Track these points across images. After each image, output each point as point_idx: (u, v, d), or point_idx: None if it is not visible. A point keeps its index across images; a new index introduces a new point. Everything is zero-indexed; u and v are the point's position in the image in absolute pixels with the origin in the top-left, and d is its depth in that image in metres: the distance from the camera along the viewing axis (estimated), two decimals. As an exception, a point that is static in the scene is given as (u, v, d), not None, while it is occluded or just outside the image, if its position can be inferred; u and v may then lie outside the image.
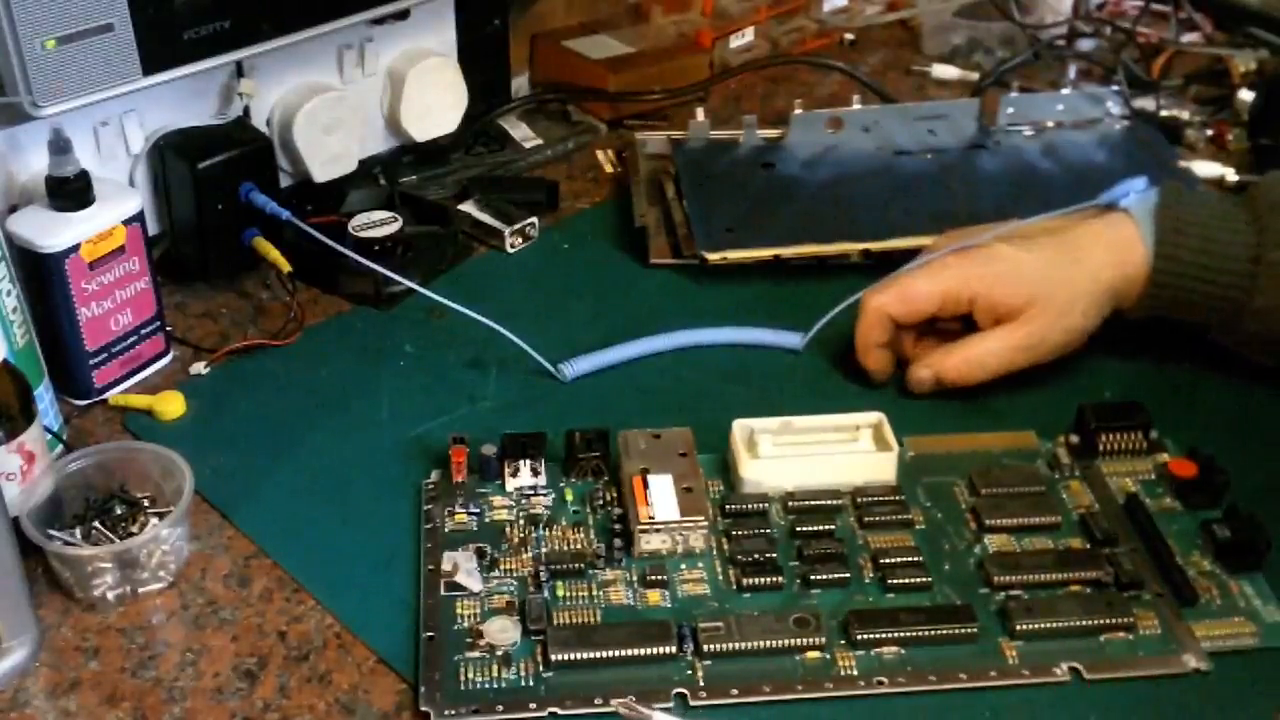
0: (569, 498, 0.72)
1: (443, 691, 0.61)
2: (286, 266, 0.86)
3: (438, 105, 1.00)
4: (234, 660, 0.64)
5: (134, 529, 0.69)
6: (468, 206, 0.97)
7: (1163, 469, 0.73)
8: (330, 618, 0.66)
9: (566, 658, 0.62)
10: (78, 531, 0.69)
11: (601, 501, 0.71)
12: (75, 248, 0.75)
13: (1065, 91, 1.09)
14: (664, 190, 1.00)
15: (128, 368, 0.81)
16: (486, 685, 0.61)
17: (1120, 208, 0.79)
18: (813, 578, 0.66)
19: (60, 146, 0.75)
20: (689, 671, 0.62)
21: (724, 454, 0.74)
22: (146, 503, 0.71)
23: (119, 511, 0.70)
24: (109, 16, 0.76)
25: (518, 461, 0.72)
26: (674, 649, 0.62)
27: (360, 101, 0.96)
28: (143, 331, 0.82)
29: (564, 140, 1.08)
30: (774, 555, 0.67)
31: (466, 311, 0.82)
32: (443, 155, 1.04)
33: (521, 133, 1.08)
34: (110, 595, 0.67)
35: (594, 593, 0.66)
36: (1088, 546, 0.69)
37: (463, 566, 0.66)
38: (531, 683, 0.61)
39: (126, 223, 0.78)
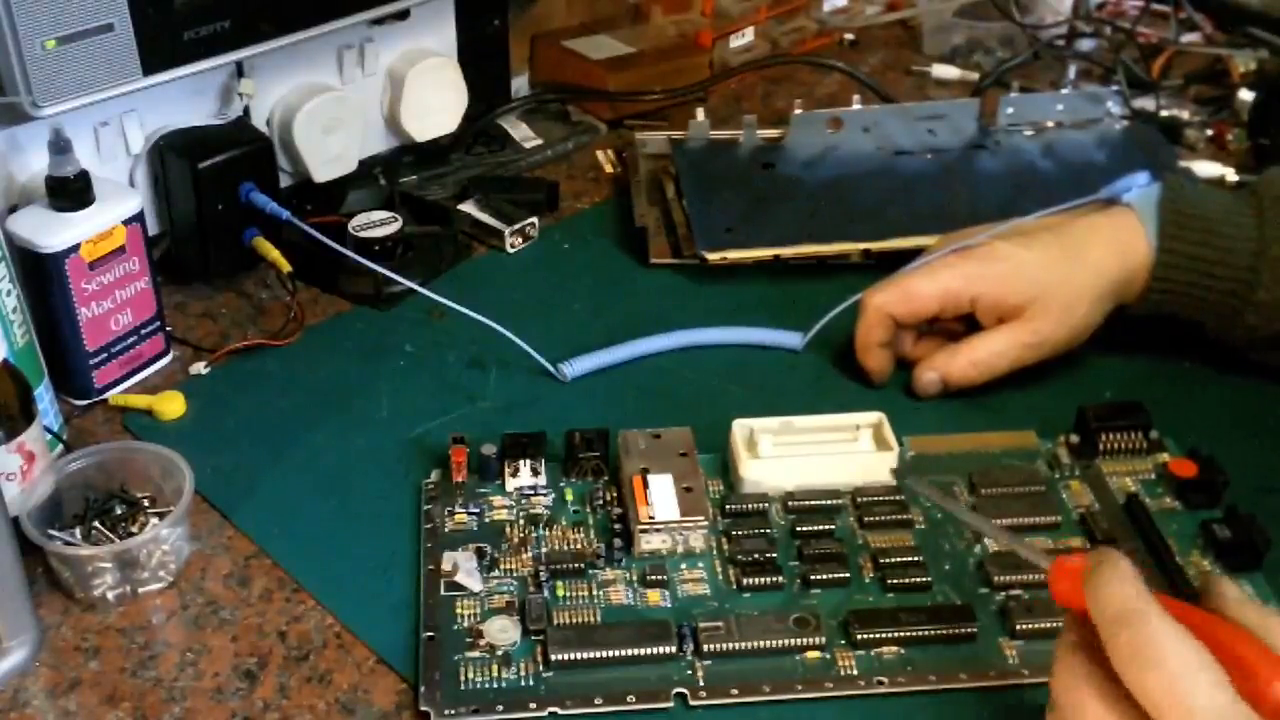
0: (569, 498, 0.72)
1: (443, 691, 0.61)
2: (286, 266, 0.86)
3: (438, 105, 1.00)
4: (234, 660, 0.64)
5: (134, 529, 0.69)
6: (468, 206, 0.97)
7: (1163, 469, 0.73)
8: (330, 618, 0.66)
9: (566, 657, 0.62)
10: (78, 531, 0.69)
11: (601, 501, 0.71)
12: (75, 248, 0.75)
13: (1065, 91, 1.09)
14: (664, 190, 1.00)
15: (128, 368, 0.81)
16: (486, 685, 0.61)
17: (1122, 202, 0.79)
18: (813, 578, 0.66)
19: (60, 146, 0.75)
20: (689, 671, 0.62)
21: (724, 454, 0.74)
22: (146, 503, 0.71)
23: (119, 511, 0.70)
24: (109, 16, 0.76)
25: (518, 461, 0.72)
26: (674, 649, 0.62)
27: (360, 101, 0.96)
28: (143, 331, 0.82)
29: (564, 140, 1.08)
30: (774, 555, 0.67)
31: (466, 311, 0.82)
32: (443, 155, 1.04)
33: (521, 133, 1.08)
34: (110, 595, 0.67)
35: (594, 593, 0.66)
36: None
37: (463, 566, 0.66)
38: (531, 683, 0.61)
39: (126, 223, 0.78)
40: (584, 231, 0.98)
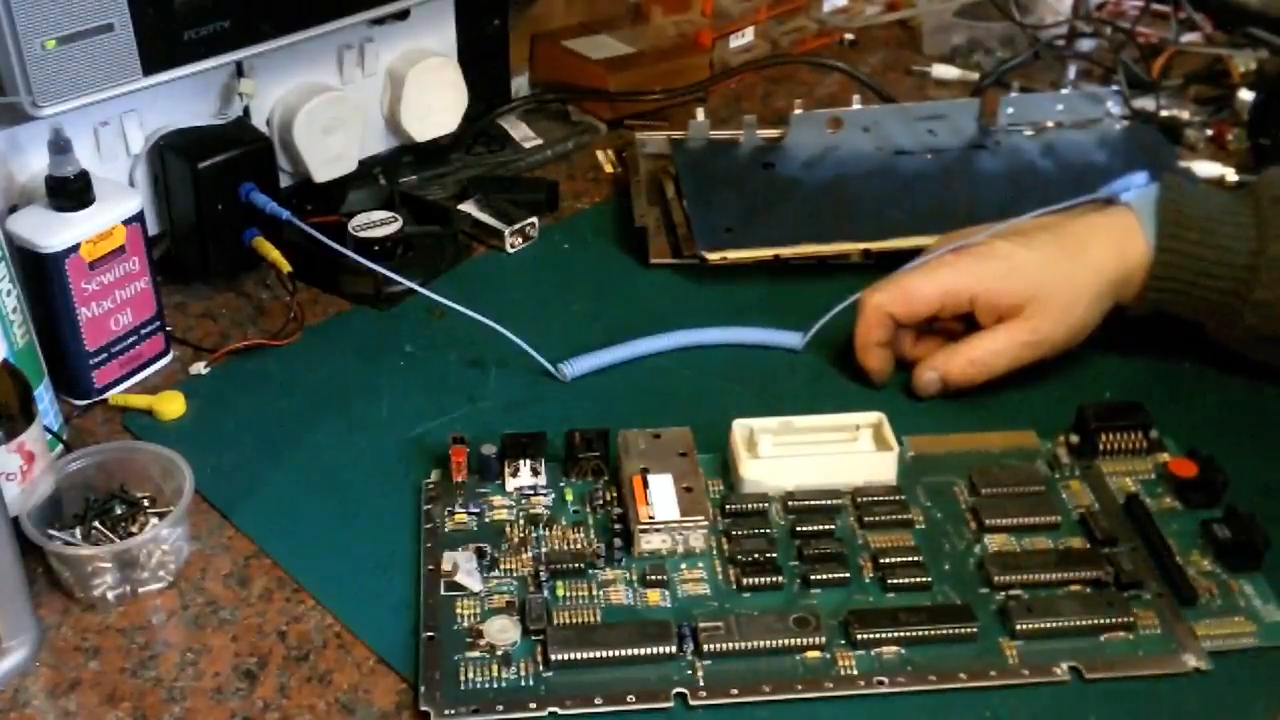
0: (569, 498, 0.72)
1: (443, 691, 0.61)
2: (286, 266, 0.86)
3: (438, 105, 1.00)
4: (234, 660, 0.64)
5: (134, 529, 0.69)
6: (468, 206, 0.97)
7: (1163, 469, 0.73)
8: (330, 618, 0.66)
9: (566, 657, 0.62)
10: (78, 531, 0.69)
11: (601, 501, 0.71)
12: (75, 248, 0.75)
13: (1065, 91, 1.09)
14: (664, 190, 1.00)
15: (128, 368, 0.81)
16: (486, 685, 0.61)
17: (1121, 201, 0.79)
18: (813, 577, 0.66)
19: (60, 146, 0.75)
20: (689, 671, 0.62)
21: (724, 454, 0.74)
22: (146, 503, 0.71)
23: (119, 511, 0.70)
24: (109, 16, 0.76)
25: (518, 461, 0.72)
26: (674, 649, 0.62)
27: (360, 101, 0.96)
28: (143, 331, 0.82)
29: (564, 140, 1.08)
30: (774, 555, 0.67)
31: (466, 311, 0.82)
32: (443, 155, 1.04)
33: (521, 133, 1.08)
34: (110, 595, 0.67)
35: (594, 593, 0.66)
36: (1088, 546, 0.69)
37: (463, 566, 0.66)
38: (531, 682, 0.61)
39: (126, 223, 0.78)
40: (584, 231, 0.98)
